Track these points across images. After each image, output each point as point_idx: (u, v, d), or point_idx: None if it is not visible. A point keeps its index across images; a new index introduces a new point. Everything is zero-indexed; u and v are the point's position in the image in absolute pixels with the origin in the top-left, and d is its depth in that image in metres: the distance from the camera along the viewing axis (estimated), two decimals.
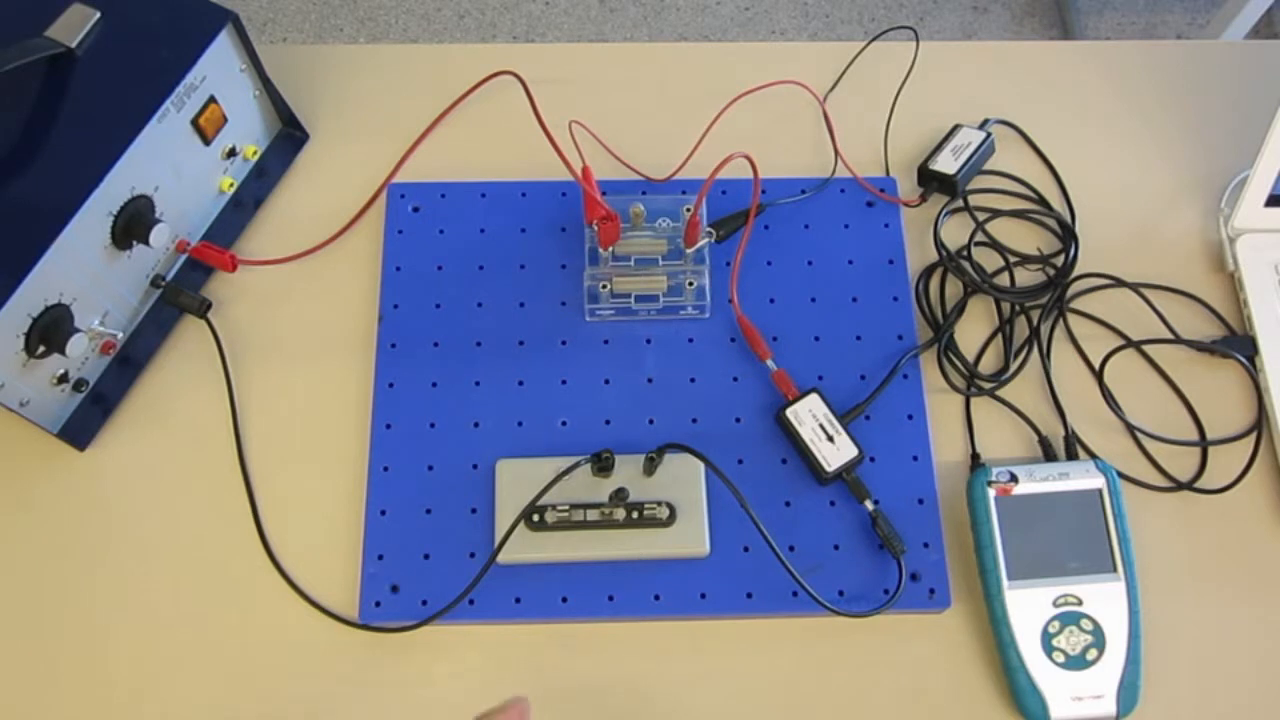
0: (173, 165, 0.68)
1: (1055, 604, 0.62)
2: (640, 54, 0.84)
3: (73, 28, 0.65)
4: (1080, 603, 0.62)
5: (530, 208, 0.75)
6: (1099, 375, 0.71)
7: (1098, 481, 0.65)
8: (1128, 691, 0.61)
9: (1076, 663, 0.61)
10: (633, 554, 0.64)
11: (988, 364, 0.72)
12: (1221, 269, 0.76)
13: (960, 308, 0.73)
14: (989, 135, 0.77)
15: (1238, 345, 0.72)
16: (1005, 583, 0.63)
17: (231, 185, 0.74)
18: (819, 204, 0.76)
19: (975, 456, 0.68)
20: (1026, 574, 0.63)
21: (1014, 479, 0.65)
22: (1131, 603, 0.62)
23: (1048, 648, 0.62)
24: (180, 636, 0.64)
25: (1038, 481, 0.65)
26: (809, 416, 0.67)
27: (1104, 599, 0.62)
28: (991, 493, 0.64)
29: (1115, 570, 0.63)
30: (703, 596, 0.64)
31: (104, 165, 0.62)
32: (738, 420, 0.69)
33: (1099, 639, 0.62)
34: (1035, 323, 0.73)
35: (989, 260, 0.75)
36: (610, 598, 0.64)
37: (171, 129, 0.67)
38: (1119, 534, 0.64)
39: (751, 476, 0.67)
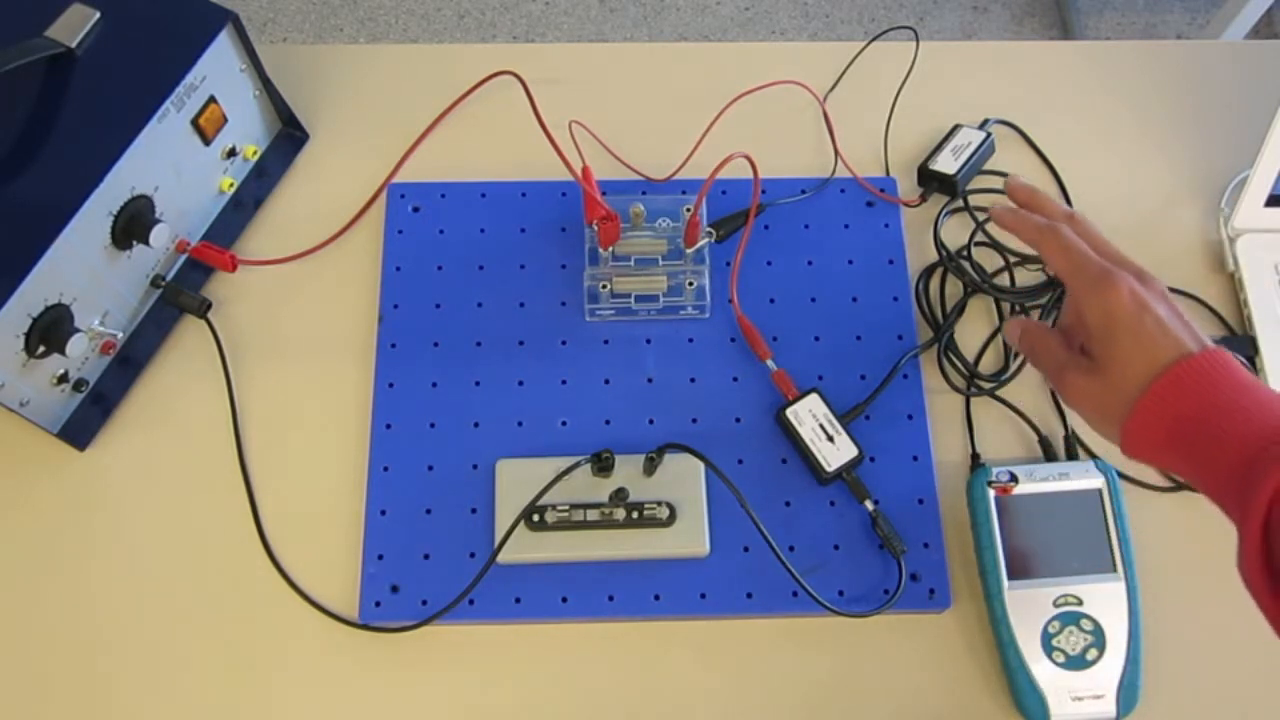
0: (173, 165, 0.68)
1: (1055, 604, 0.62)
2: (640, 54, 0.84)
3: (73, 28, 0.65)
4: (1080, 603, 0.62)
5: (530, 208, 0.75)
6: None
7: (1097, 481, 0.65)
8: (1128, 691, 0.61)
9: (1076, 663, 0.61)
10: (633, 554, 0.64)
11: (988, 364, 0.72)
12: (1221, 269, 0.75)
13: (960, 308, 0.73)
14: (989, 135, 0.77)
15: (1238, 345, 0.72)
16: (1005, 583, 0.63)
17: (231, 185, 0.74)
18: (819, 204, 0.76)
19: (975, 456, 0.68)
20: (1026, 574, 0.63)
21: (1014, 479, 0.65)
22: (1131, 603, 0.62)
23: (1048, 648, 0.62)
24: (180, 636, 0.64)
25: (1038, 482, 0.65)
26: (809, 416, 0.67)
27: (1104, 599, 0.62)
28: (991, 493, 0.64)
29: (1115, 570, 0.63)
30: (703, 596, 0.64)
31: (104, 165, 0.62)
32: (738, 420, 0.69)
33: (1099, 639, 0.62)
34: None
35: (989, 260, 0.75)
36: (610, 598, 0.64)
37: (171, 129, 0.67)
38: (1119, 534, 0.64)
39: (751, 476, 0.67)
